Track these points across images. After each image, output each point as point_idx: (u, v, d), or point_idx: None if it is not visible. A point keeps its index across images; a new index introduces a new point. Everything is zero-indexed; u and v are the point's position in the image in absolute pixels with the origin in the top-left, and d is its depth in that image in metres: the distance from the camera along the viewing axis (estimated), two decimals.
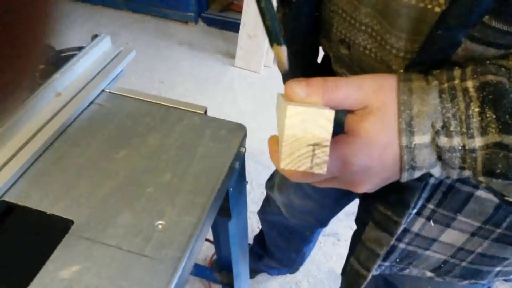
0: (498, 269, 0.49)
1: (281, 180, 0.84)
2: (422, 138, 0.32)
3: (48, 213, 0.48)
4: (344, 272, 0.58)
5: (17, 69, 0.16)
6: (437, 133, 0.31)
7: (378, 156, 0.32)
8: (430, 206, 0.44)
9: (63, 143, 0.57)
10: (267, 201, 0.96)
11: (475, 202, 0.42)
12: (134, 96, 0.65)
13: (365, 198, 0.57)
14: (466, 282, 0.51)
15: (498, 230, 0.43)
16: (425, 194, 0.43)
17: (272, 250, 1.11)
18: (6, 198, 0.49)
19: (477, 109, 0.30)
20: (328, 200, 0.79)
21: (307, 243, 1.05)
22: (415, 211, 0.44)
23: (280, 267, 1.19)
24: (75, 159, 0.55)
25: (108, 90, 0.66)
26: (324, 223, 0.91)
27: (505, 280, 0.52)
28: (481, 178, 0.31)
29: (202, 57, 2.02)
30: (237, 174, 0.61)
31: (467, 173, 0.32)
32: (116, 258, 0.44)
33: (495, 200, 0.41)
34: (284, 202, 0.85)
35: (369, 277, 0.51)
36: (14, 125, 0.55)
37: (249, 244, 1.20)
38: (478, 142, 0.30)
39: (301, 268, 1.25)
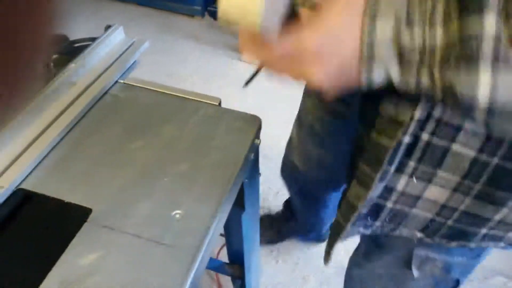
0: (483, 231, 0.49)
1: (298, 135, 0.87)
2: (383, 25, 0.32)
3: (66, 201, 0.48)
4: (330, 226, 0.60)
5: (25, 62, 0.16)
6: (399, 22, 0.31)
7: (336, 34, 0.33)
8: (412, 163, 0.46)
9: (79, 133, 0.57)
10: (286, 159, 1.00)
11: (452, 157, 0.44)
12: (148, 87, 0.65)
13: (354, 158, 0.60)
14: (454, 243, 0.52)
15: (478, 186, 0.45)
16: (401, 152, 0.44)
17: (295, 213, 1.15)
18: (23, 186, 0.49)
19: (442, 2, 0.31)
20: (339, 148, 0.79)
21: (324, 208, 1.08)
22: (393, 168, 0.46)
23: (305, 232, 1.23)
24: (91, 149, 0.55)
25: (122, 81, 0.66)
26: (336, 184, 0.94)
27: (495, 247, 0.53)
28: (436, 74, 0.31)
29: (208, 51, 2.02)
30: (251, 166, 0.61)
31: (425, 74, 0.32)
32: (135, 246, 0.44)
33: (470, 155, 0.42)
34: (301, 152, 0.88)
35: (348, 227, 0.53)
36: (30, 114, 0.55)
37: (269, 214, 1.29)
38: (439, 34, 0.31)
39: (309, 263, 1.25)
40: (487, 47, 0.29)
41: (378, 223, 0.53)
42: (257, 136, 0.60)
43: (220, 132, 0.59)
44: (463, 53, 0.30)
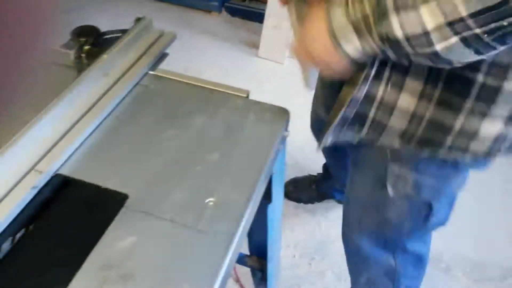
0: (448, 141, 0.58)
1: (322, 88, 0.93)
2: (337, 9, 0.49)
3: (103, 187, 0.49)
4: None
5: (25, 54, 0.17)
6: (346, 5, 0.49)
7: (316, 28, 0.52)
8: (387, 69, 0.57)
9: (113, 121, 0.58)
10: (313, 112, 1.06)
11: (414, 64, 0.54)
12: (177, 78, 0.66)
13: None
14: (426, 151, 0.61)
15: (437, 92, 0.56)
16: (377, 61, 0.55)
17: (329, 168, 1.24)
18: (61, 172, 0.51)
19: None
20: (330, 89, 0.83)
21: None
22: (373, 72, 0.56)
23: (341, 187, 1.25)
24: (125, 137, 0.56)
25: (152, 72, 0.67)
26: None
27: (463, 159, 0.60)
28: (374, 32, 0.47)
29: (225, 47, 2.03)
30: (280, 158, 0.61)
31: (374, 35, 0.48)
32: (171, 232, 0.45)
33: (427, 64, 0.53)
34: (325, 104, 0.92)
35: (338, 118, 0.61)
36: (66, 102, 0.56)
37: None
38: (366, 6, 0.48)
39: (326, 258, 1.26)
40: (389, 2, 0.45)
41: (364, 131, 0.64)
42: (285, 128, 0.60)
43: (249, 123, 0.59)
44: (379, 10, 0.46)
